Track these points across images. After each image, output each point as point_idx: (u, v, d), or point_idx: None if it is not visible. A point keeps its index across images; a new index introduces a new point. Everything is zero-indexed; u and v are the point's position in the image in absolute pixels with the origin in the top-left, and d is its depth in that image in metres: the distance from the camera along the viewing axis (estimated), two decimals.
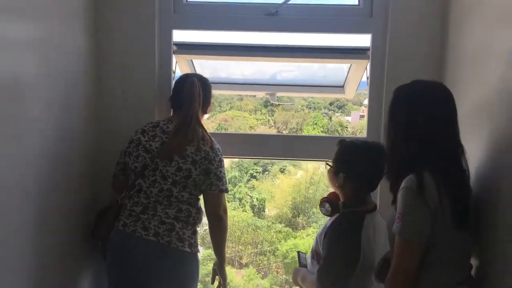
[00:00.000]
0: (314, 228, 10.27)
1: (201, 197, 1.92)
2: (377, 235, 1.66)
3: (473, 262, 1.55)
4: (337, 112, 16.00)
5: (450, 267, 1.48)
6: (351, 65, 2.25)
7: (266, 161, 13.14)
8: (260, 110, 14.66)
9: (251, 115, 14.08)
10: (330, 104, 15.95)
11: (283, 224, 7.37)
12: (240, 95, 13.31)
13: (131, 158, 1.89)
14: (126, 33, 2.04)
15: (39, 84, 1.57)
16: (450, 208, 1.41)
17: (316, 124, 14.44)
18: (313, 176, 11.29)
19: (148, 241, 1.80)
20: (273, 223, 10.31)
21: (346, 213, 1.70)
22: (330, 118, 15.61)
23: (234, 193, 8.18)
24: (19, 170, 1.47)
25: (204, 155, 1.85)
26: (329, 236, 1.66)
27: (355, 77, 2.24)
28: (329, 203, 1.73)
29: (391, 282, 1.47)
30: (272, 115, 14.96)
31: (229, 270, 11.57)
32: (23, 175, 1.50)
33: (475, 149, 1.57)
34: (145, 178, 1.85)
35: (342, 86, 2.40)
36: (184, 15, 2.11)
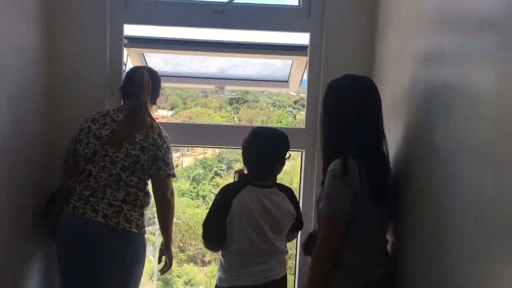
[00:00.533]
0: None
1: (149, 181, 2.05)
2: (256, 207, 1.85)
3: (390, 238, 1.75)
4: (301, 111, 16.31)
5: (368, 240, 1.67)
6: (293, 61, 2.42)
7: (230, 158, 13.25)
8: (225, 108, 14.76)
9: (216, 112, 14.15)
10: (295, 102, 16.21)
11: None
12: (205, 92, 13.39)
13: (82, 145, 2.00)
14: (79, 27, 2.15)
15: None
16: (369, 188, 1.59)
17: (280, 122, 14.64)
18: None
19: (97, 223, 1.91)
20: None
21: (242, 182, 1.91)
22: (295, 116, 15.87)
23: (198, 191, 8.20)
24: None
25: (152, 142, 1.98)
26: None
27: (297, 72, 2.42)
28: (239, 174, 1.94)
29: (317, 254, 1.65)
30: (237, 113, 15.09)
31: (192, 268, 11.61)
32: None
33: (394, 138, 1.77)
34: (95, 164, 1.97)
35: (287, 81, 2.58)
36: (135, 10, 2.23)
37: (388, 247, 1.76)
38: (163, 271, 2.22)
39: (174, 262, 2.26)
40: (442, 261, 1.31)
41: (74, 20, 2.15)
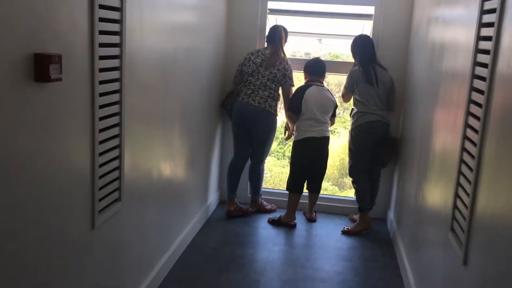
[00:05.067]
0: None
1: (279, 88, 3.85)
2: (317, 96, 3.68)
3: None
4: None
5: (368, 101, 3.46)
6: (364, 24, 4.07)
7: None
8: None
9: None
10: None
11: (330, 183, 7.82)
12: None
13: (245, 67, 3.83)
14: (244, 2, 3.96)
15: (205, 30, 3.55)
16: (364, 76, 3.37)
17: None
18: None
19: (254, 106, 3.75)
20: None
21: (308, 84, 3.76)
22: None
23: (284, 151, 8.93)
24: (197, 81, 3.48)
25: (284, 67, 3.76)
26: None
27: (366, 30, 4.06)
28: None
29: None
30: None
31: None
32: (196, 83, 3.52)
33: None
34: (253, 77, 3.79)
35: None
36: None
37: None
38: (287, 137, 4.05)
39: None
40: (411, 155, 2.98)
41: None
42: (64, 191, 1.69)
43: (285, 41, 3.89)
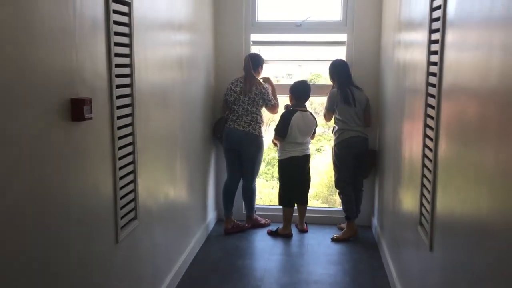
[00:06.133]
0: None
1: (262, 110, 4.22)
2: (300, 121, 4.05)
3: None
4: None
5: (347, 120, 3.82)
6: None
7: None
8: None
9: None
10: None
11: (320, 201, 7.88)
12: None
13: (228, 96, 4.20)
14: (230, 35, 4.36)
15: (197, 63, 3.94)
16: (342, 99, 3.75)
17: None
18: None
19: (239, 130, 4.11)
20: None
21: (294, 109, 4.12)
22: None
23: (272, 173, 8.80)
24: (188, 110, 3.86)
25: (260, 91, 4.14)
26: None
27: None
28: (287, 105, 4.20)
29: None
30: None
31: None
32: (188, 112, 3.90)
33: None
34: (235, 104, 4.17)
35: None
36: (256, 27, 4.41)
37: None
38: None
39: None
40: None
41: (228, 32, 4.36)
42: (94, 211, 2.02)
43: (261, 67, 4.26)
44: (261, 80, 4.25)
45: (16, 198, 1.48)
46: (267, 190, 6.97)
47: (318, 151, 8.39)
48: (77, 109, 1.79)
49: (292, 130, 4.05)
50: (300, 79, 4.29)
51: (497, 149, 1.41)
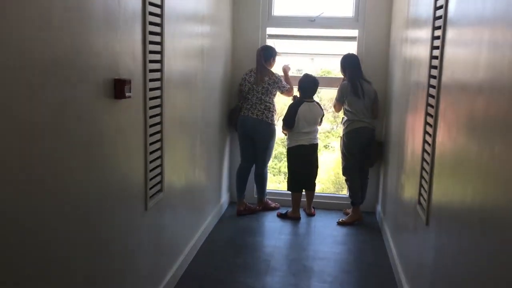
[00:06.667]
0: None
1: (275, 99, 4.47)
2: (307, 112, 4.27)
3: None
4: None
5: (357, 111, 4.04)
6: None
7: None
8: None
9: None
10: None
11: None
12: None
13: (243, 86, 4.46)
14: (248, 29, 4.61)
15: (216, 54, 4.20)
16: (352, 90, 3.99)
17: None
18: None
19: (253, 118, 4.37)
20: None
21: (301, 100, 4.35)
22: None
23: (280, 167, 8.90)
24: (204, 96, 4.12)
25: (274, 80, 4.39)
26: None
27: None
28: (295, 96, 4.42)
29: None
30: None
31: None
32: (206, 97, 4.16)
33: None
34: (250, 94, 4.42)
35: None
36: (272, 21, 4.65)
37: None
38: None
39: None
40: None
41: (245, 26, 4.61)
42: (130, 180, 2.29)
43: (273, 58, 4.50)
44: (282, 66, 4.53)
45: (78, 165, 1.76)
46: (273, 185, 7.12)
47: (326, 148, 8.54)
48: (120, 88, 2.06)
49: (299, 120, 4.30)
50: (307, 73, 4.54)
51: (480, 141, 1.66)
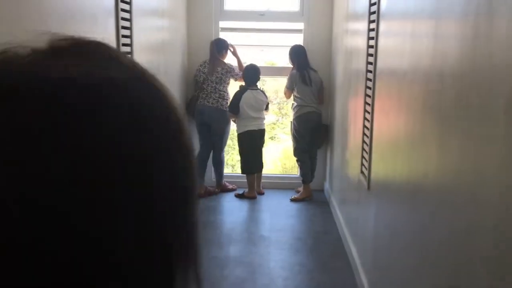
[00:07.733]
0: None
1: (228, 87, 4.80)
2: (251, 99, 4.67)
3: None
4: None
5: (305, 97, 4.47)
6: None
7: None
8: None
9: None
10: None
11: None
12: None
13: (197, 77, 4.77)
14: (201, 22, 4.89)
15: (174, 47, 4.47)
16: (300, 79, 4.40)
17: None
18: None
19: (209, 106, 4.69)
20: None
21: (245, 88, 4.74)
22: None
23: (227, 160, 8.91)
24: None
25: (226, 70, 4.72)
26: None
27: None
28: (241, 85, 4.79)
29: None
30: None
31: None
32: None
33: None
34: (205, 84, 4.73)
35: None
36: (225, 15, 4.97)
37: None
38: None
39: None
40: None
41: (199, 20, 4.90)
42: None
43: (225, 50, 4.84)
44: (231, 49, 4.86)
45: None
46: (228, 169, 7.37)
47: (272, 139, 8.90)
48: None
49: (244, 107, 4.67)
50: (252, 63, 4.90)
51: (407, 118, 2.08)
